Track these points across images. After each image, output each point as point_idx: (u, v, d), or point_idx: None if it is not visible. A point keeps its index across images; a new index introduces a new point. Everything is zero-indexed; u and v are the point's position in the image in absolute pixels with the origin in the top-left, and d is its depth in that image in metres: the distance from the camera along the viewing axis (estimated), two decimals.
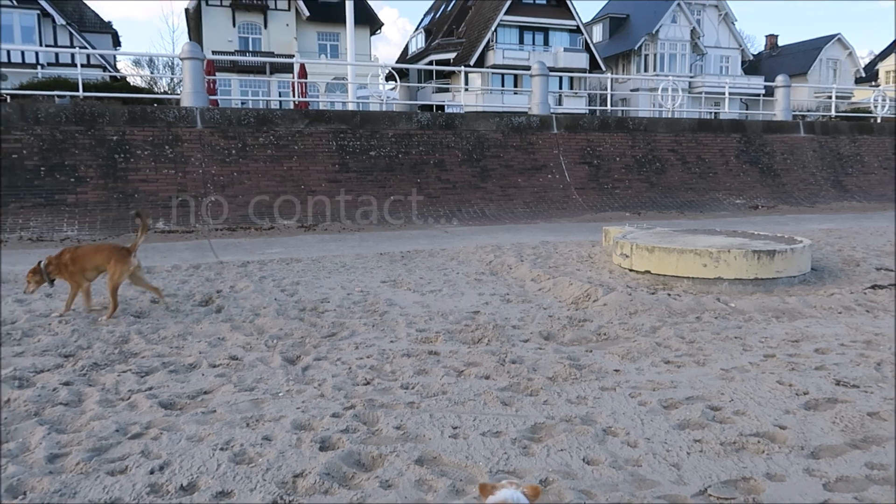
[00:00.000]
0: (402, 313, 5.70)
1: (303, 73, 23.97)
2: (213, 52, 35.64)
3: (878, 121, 20.37)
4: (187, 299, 6.21)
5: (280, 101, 29.27)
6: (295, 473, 2.83)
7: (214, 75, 25.55)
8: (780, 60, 56.04)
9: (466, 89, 22.21)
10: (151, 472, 2.83)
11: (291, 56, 35.55)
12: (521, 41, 45.49)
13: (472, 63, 41.25)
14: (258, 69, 39.08)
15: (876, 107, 20.95)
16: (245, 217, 11.91)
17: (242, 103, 32.11)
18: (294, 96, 22.37)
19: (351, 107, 18.54)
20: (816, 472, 2.83)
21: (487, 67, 41.28)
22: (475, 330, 5.16)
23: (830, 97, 23.49)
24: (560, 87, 44.37)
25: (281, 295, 6.37)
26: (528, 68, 16.82)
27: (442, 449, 3.07)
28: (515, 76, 40.64)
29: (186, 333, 5.06)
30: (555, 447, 3.07)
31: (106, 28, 42.41)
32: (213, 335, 5.02)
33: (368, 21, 42.27)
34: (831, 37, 55.47)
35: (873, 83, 51.75)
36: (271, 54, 39.20)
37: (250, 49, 40.56)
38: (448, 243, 9.98)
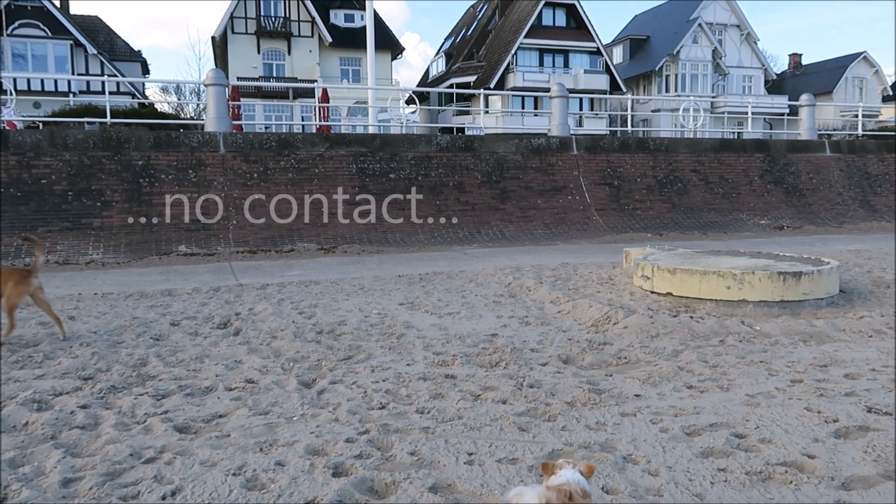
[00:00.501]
0: (419, 336, 5.66)
1: (325, 98, 24.28)
2: (238, 79, 36.34)
3: None
4: (206, 322, 6.23)
5: (303, 126, 29.64)
6: (307, 500, 2.78)
7: (239, 101, 26.00)
8: (804, 79, 55.58)
9: (486, 111, 22.30)
10: (163, 498, 2.80)
11: (314, 81, 36.09)
12: (542, 63, 45.71)
13: (492, 86, 41.49)
14: (282, 94, 39.71)
15: None
16: (266, 240, 11.99)
17: (266, 128, 32.58)
18: (316, 120, 22.62)
19: (372, 130, 18.69)
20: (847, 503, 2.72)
21: (507, 90, 41.48)
22: (493, 353, 5.09)
23: (857, 116, 23.16)
24: (580, 109, 44.40)
25: (299, 317, 6.37)
26: (548, 90, 16.85)
27: (457, 476, 3.00)
28: (535, 98, 40.77)
29: (204, 356, 5.06)
30: None
31: (136, 57, 43.52)
32: (230, 358, 5.01)
33: (390, 46, 42.84)
34: (857, 55, 54.91)
35: None
36: (294, 80, 39.85)
37: (274, 75, 41.29)
38: (467, 265, 9.94)
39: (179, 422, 3.69)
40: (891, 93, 56.55)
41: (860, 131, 22.07)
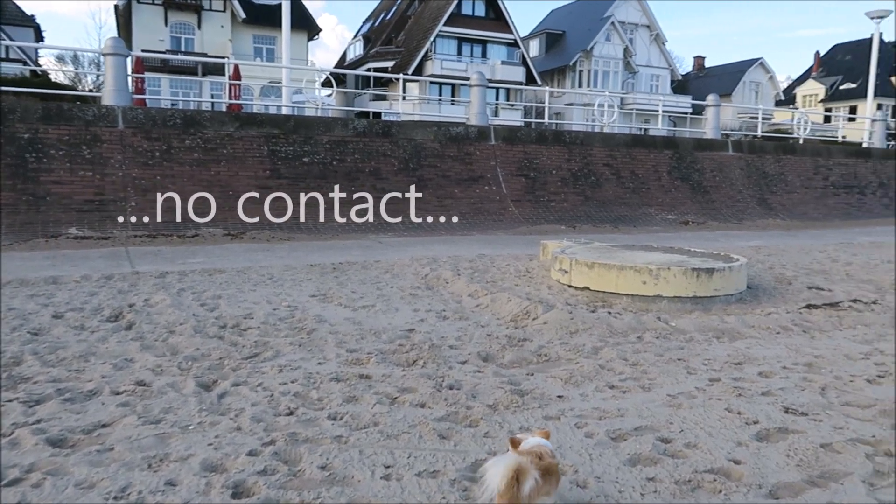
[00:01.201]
0: (331, 331, 5.33)
1: (236, 75, 23.19)
2: (143, 51, 34.23)
3: (801, 142, 21.24)
4: (95, 314, 5.65)
5: (212, 104, 28.26)
6: None
7: (143, 74, 24.44)
8: (706, 81, 58.32)
9: (404, 98, 21.94)
10: None
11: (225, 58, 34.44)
12: (460, 52, 45.69)
13: (410, 72, 41.07)
14: (190, 70, 37.76)
15: (798, 128, 21.84)
16: (167, 224, 11.23)
17: (172, 104, 30.86)
18: (226, 98, 21.56)
19: (285, 111, 17.96)
20: None
21: (426, 77, 41.18)
22: (410, 350, 4.84)
23: (754, 117, 24.38)
24: (497, 99, 44.74)
25: (200, 310, 5.89)
26: (465, 79, 16.70)
27: (373, 493, 2.73)
28: (453, 87, 40.73)
29: (89, 354, 4.54)
30: None
31: (28, 21, 40.23)
32: (119, 356, 4.52)
33: (306, 26, 41.55)
34: (754, 60, 58.16)
35: (792, 106, 54.41)
36: (204, 55, 37.95)
37: (182, 49, 39.20)
38: (382, 255, 9.63)
39: (54, 433, 3.22)
40: (783, 97, 60.25)
41: (759, 132, 23.24)
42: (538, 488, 2.17)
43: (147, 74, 29.86)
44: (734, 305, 6.61)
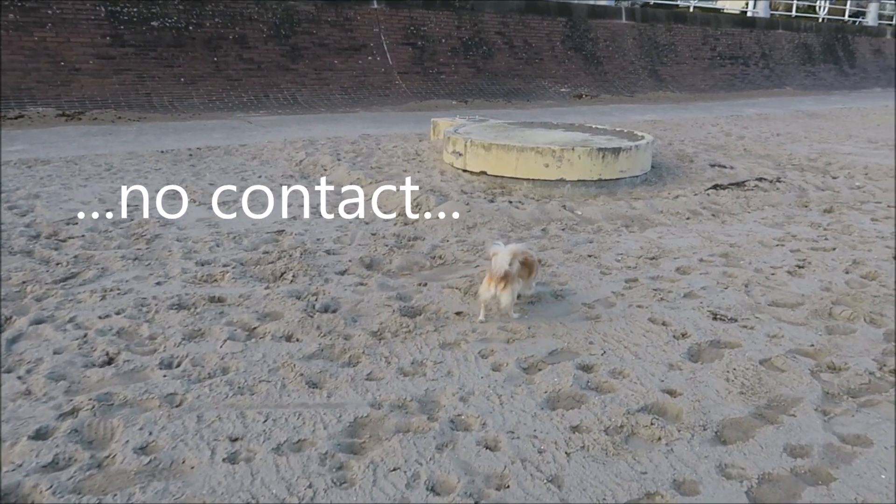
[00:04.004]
0: (179, 237, 4.33)
1: None
2: None
3: (692, 10, 20.87)
4: None
5: None
6: None
7: None
8: None
9: None
10: None
11: None
12: None
13: None
14: None
15: None
16: None
17: None
18: None
19: None
20: (733, 469, 2.13)
21: None
22: (277, 259, 3.98)
23: None
24: None
25: (8, 214, 4.66)
26: None
27: (209, 489, 1.96)
28: None
29: None
30: (384, 465, 2.09)
31: None
32: None
33: None
34: None
35: None
36: None
37: None
38: (250, 137, 8.39)
39: None
40: None
41: None
42: (520, 271, 3.09)
43: None
44: (640, 188, 6.13)
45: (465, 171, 6.27)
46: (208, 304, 3.30)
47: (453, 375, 2.68)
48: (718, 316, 3.33)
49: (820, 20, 23.30)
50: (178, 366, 2.69)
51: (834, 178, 6.87)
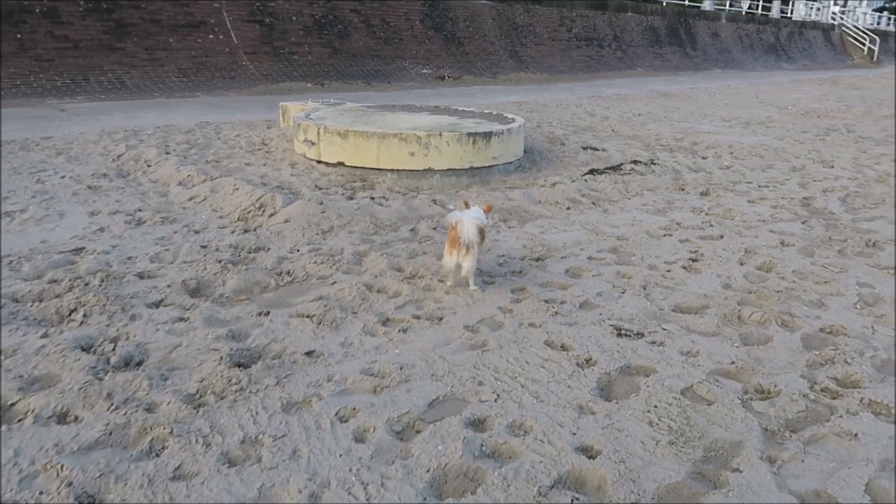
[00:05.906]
0: None
1: None
2: None
3: None
4: None
5: None
6: None
7: None
8: None
9: None
10: None
11: None
12: None
13: None
14: None
15: None
16: None
17: None
18: None
19: None
20: None
21: None
22: (67, 291, 3.01)
23: None
24: None
25: None
26: None
27: None
28: None
29: None
30: None
31: None
32: None
33: None
34: None
35: None
36: None
37: None
38: (59, 129, 7.03)
39: None
40: None
41: None
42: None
43: None
44: (514, 175, 5.61)
45: (319, 162, 5.46)
46: None
47: (300, 457, 1.94)
48: (623, 331, 2.82)
49: (664, 3, 24.29)
50: None
51: (703, 158, 6.74)
